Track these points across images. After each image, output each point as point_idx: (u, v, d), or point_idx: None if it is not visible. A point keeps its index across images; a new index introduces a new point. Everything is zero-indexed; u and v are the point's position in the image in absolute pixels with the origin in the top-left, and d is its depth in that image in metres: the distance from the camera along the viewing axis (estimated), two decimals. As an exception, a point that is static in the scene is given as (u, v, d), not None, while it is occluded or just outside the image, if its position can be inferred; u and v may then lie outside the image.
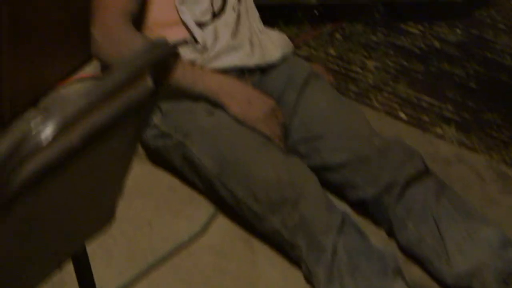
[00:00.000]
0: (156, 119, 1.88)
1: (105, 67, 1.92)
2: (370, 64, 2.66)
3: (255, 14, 2.06)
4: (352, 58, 2.68)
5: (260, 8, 2.41)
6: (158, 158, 1.94)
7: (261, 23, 2.07)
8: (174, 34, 1.89)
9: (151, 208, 1.86)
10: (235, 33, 1.96)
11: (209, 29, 1.91)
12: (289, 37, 2.66)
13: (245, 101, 1.83)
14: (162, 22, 1.91)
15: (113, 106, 0.86)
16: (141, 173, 1.93)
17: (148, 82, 0.92)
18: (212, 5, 1.93)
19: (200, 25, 1.91)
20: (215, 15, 1.94)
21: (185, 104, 1.85)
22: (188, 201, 1.89)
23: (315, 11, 2.74)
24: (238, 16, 1.98)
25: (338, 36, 2.79)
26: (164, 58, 0.89)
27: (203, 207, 1.88)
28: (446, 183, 1.86)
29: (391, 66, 2.68)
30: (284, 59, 2.04)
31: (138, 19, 1.88)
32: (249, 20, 2.02)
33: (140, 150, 1.99)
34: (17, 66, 1.93)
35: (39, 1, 1.96)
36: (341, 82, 2.54)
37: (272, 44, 2.04)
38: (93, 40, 1.83)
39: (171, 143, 1.85)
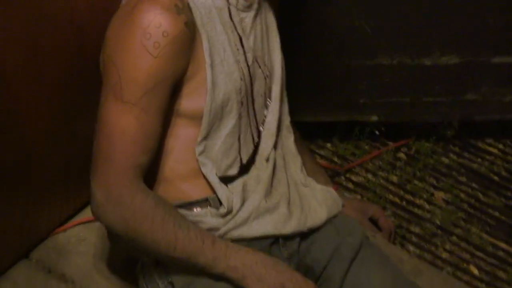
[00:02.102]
0: (168, 297, 1.52)
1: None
2: (439, 196, 2.24)
3: (296, 162, 1.68)
4: (417, 188, 2.26)
5: (314, 124, 2.04)
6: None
7: (304, 171, 1.69)
8: (194, 191, 1.52)
9: None
10: (269, 191, 1.58)
11: (237, 185, 1.54)
12: (344, 158, 2.30)
13: (277, 286, 1.46)
14: (180, 174, 1.54)
15: None
16: None
17: None
18: (239, 153, 1.56)
19: (226, 179, 1.53)
20: (244, 168, 1.56)
21: (202, 284, 1.48)
22: None
23: (376, 131, 2.34)
24: (274, 168, 1.60)
25: (401, 156, 2.37)
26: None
27: None
28: None
29: (463, 199, 2.25)
30: (330, 220, 1.66)
31: (152, 170, 1.52)
32: (287, 172, 1.64)
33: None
34: (3, 216, 1.59)
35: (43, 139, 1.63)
36: (402, 222, 2.13)
37: (316, 202, 1.66)
38: (92, 198, 1.47)
39: (182, 329, 1.49)
